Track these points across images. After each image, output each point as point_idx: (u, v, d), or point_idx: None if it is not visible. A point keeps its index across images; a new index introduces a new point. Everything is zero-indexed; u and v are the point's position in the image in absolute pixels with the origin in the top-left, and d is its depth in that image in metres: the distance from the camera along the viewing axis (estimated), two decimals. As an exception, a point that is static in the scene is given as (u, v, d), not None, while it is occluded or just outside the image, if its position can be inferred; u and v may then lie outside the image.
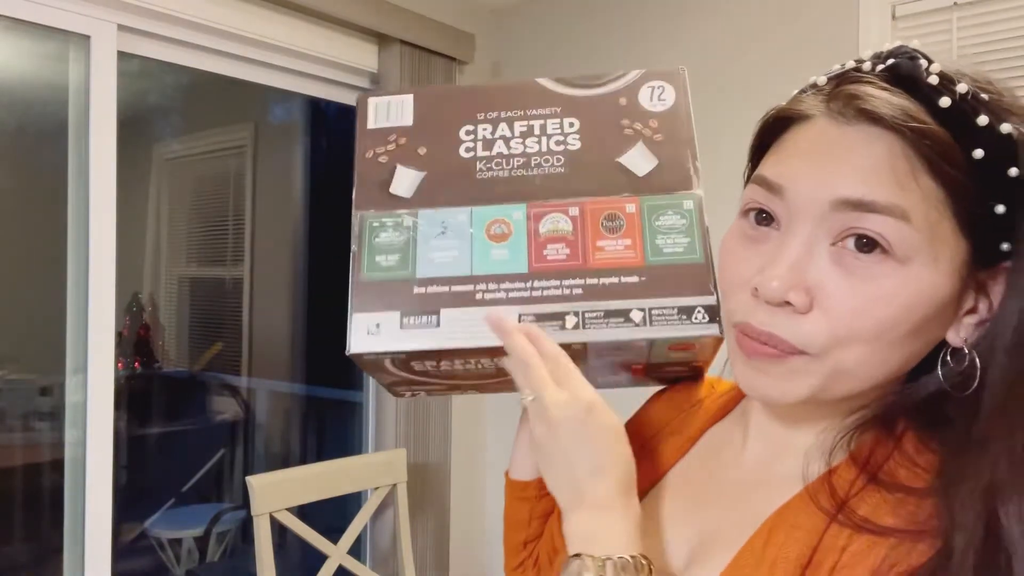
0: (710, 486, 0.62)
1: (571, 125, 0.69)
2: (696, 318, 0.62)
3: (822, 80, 0.54)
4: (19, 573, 2.15)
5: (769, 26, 2.12)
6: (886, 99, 0.49)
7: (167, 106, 2.78)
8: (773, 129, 0.57)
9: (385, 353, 0.63)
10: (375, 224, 0.67)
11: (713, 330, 0.62)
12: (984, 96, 0.49)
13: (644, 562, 0.52)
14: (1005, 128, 0.48)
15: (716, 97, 2.14)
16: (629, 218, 0.65)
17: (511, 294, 0.64)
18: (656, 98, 0.70)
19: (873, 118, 0.49)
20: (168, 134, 2.87)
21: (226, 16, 1.96)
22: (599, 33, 2.48)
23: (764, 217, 0.54)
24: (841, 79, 0.53)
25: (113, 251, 1.79)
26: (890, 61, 0.51)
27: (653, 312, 0.63)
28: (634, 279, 0.64)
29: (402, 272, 0.65)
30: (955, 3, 1.85)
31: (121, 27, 1.80)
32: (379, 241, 0.66)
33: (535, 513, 0.76)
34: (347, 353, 0.63)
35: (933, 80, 0.49)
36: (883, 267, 0.48)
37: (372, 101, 0.71)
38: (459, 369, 0.67)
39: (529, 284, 0.64)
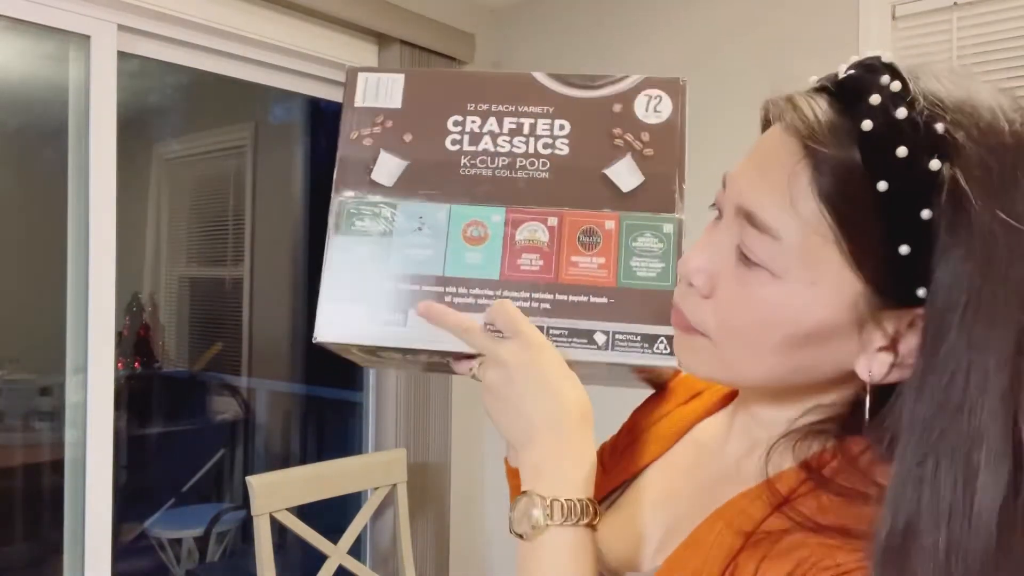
0: (689, 477, 0.62)
1: (561, 128, 0.67)
2: (658, 348, 0.62)
3: (812, 80, 0.54)
4: (19, 573, 2.15)
5: (769, 27, 2.12)
6: (810, 113, 0.48)
7: (167, 106, 2.78)
8: (764, 126, 0.57)
9: (350, 345, 0.64)
10: (353, 210, 0.66)
11: (672, 362, 0.61)
12: (938, 127, 0.45)
13: (591, 507, 0.54)
14: (934, 164, 0.44)
15: (715, 97, 2.14)
16: (606, 235, 0.65)
17: (480, 300, 0.63)
18: (652, 109, 0.68)
19: (789, 131, 0.49)
20: (168, 134, 2.87)
21: (226, 16, 1.96)
22: (599, 33, 2.48)
23: (720, 214, 0.56)
24: (814, 84, 0.52)
25: (113, 251, 1.79)
26: (849, 72, 0.49)
27: (617, 336, 0.62)
28: (603, 300, 0.63)
29: (375, 264, 0.65)
30: (955, 3, 1.85)
31: (121, 27, 1.80)
32: (356, 228, 0.66)
33: None
34: (313, 340, 0.63)
35: (874, 99, 0.46)
36: (759, 276, 0.50)
37: (362, 76, 0.70)
38: (423, 360, 0.67)
39: (499, 293, 0.63)
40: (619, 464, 0.70)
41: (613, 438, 0.79)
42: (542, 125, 0.68)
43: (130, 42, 1.84)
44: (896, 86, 0.46)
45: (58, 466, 1.80)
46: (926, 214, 0.44)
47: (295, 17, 2.12)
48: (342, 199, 0.67)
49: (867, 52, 0.50)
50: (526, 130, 0.68)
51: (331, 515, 2.21)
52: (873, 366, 0.49)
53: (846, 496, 0.48)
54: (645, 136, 0.67)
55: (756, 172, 0.51)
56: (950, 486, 0.43)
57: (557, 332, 0.63)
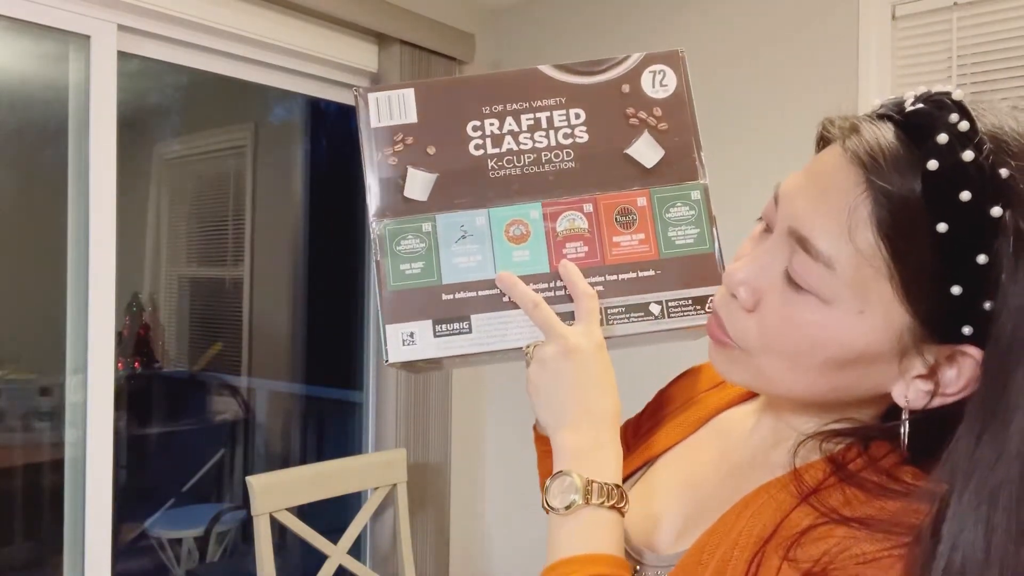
0: (713, 464, 0.64)
1: (577, 116, 0.69)
2: (709, 307, 0.66)
3: (876, 104, 0.53)
4: (19, 573, 2.14)
5: (769, 26, 2.12)
6: (875, 143, 0.48)
7: (167, 106, 2.77)
8: (819, 143, 0.58)
9: (422, 360, 0.66)
10: (394, 231, 0.67)
11: None
12: (1003, 172, 0.45)
13: (623, 493, 0.57)
14: (995, 211, 0.44)
15: (715, 96, 2.14)
16: (641, 212, 0.67)
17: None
18: (658, 84, 0.70)
19: (852, 160, 0.49)
20: (168, 134, 2.87)
21: (226, 16, 1.96)
22: (599, 32, 2.48)
23: (768, 227, 0.57)
24: (878, 110, 0.52)
25: (113, 251, 1.79)
26: (918, 105, 0.48)
27: (670, 304, 0.66)
28: (650, 272, 0.66)
29: (428, 279, 0.66)
30: (955, 3, 1.85)
31: (121, 27, 1.80)
32: (401, 249, 0.67)
33: None
34: (385, 362, 0.65)
35: (941, 138, 0.45)
36: (808, 301, 0.51)
37: (372, 97, 0.71)
38: (485, 360, 0.69)
39: (552, 284, 0.66)
40: (641, 444, 0.72)
41: (636, 417, 0.81)
42: (558, 116, 0.69)
43: (130, 42, 1.84)
44: (964, 126, 0.46)
45: (58, 466, 1.80)
46: (982, 259, 0.45)
47: (295, 17, 2.12)
48: (381, 222, 0.68)
49: (936, 87, 0.49)
50: (544, 123, 0.69)
51: (331, 515, 2.21)
52: (909, 393, 0.51)
53: (870, 491, 0.49)
54: (657, 111, 0.69)
55: (813, 195, 0.51)
56: (1007, 533, 0.44)
57: (615, 310, 0.66)
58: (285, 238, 3.00)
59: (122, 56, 1.82)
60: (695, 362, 0.81)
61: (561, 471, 0.57)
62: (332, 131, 2.89)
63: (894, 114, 0.49)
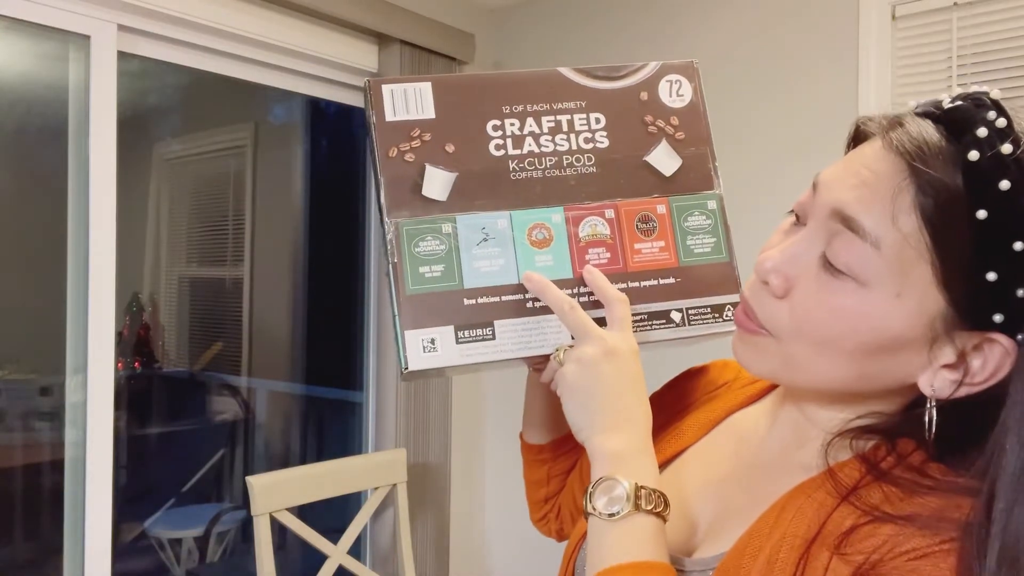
0: (732, 466, 0.64)
1: (597, 121, 0.69)
2: (727, 315, 0.67)
3: (911, 105, 0.56)
4: (19, 573, 2.14)
5: (769, 26, 2.12)
6: (919, 136, 0.50)
7: (167, 106, 2.77)
8: (855, 139, 0.59)
9: (445, 368, 0.63)
10: (412, 231, 0.64)
11: None
12: None
13: (666, 500, 0.56)
14: None
15: (715, 96, 2.14)
16: (661, 219, 0.68)
17: (543, 301, 0.64)
18: (675, 93, 0.71)
19: (897, 150, 0.51)
20: (168, 134, 2.87)
21: (226, 16, 1.96)
22: (599, 33, 2.48)
23: (799, 219, 0.58)
24: (916, 110, 0.55)
25: (113, 251, 1.79)
26: (957, 102, 0.51)
27: (690, 312, 0.67)
28: (670, 280, 0.67)
29: (449, 283, 0.64)
30: (955, 3, 1.85)
31: (121, 27, 1.80)
32: (419, 251, 0.64)
33: (553, 472, 0.82)
34: (405, 370, 0.62)
35: (981, 132, 0.48)
36: (844, 285, 0.52)
37: (387, 89, 0.67)
38: (493, 367, 0.67)
39: (576, 290, 0.65)
40: (656, 446, 0.71)
41: None
42: (579, 120, 0.69)
43: (130, 42, 1.84)
44: (1002, 122, 0.49)
45: (58, 466, 1.80)
46: (1019, 246, 0.47)
47: (295, 17, 2.12)
48: (398, 221, 0.64)
49: (973, 87, 0.53)
50: (565, 127, 0.69)
51: (331, 515, 2.21)
52: (936, 382, 0.52)
53: (906, 488, 0.50)
54: (675, 120, 0.70)
55: (857, 183, 0.52)
56: None
57: (638, 317, 0.66)
58: (285, 238, 3.00)
59: (122, 56, 1.82)
60: (690, 364, 0.81)
61: (606, 476, 0.56)
62: (332, 131, 2.89)
63: (934, 111, 0.52)
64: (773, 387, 0.69)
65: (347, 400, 2.62)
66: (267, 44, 2.07)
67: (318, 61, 2.22)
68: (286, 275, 3.03)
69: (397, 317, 0.62)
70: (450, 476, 2.49)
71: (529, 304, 0.64)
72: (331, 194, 2.88)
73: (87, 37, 1.75)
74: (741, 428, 0.67)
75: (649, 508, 0.55)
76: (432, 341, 0.62)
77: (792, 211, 0.58)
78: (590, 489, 0.56)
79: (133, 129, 2.43)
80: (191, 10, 1.88)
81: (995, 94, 0.51)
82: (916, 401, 0.55)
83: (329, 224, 2.88)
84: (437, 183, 0.65)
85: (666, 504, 0.56)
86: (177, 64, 1.97)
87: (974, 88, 0.52)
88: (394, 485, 2.11)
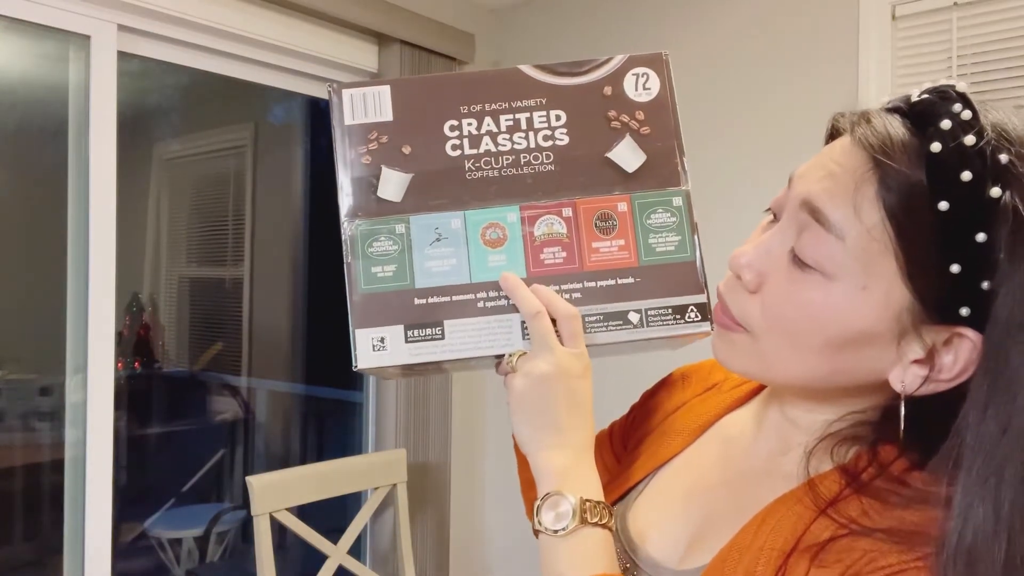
0: (718, 472, 0.64)
1: (557, 118, 0.68)
2: (689, 317, 0.64)
3: (883, 101, 0.56)
4: (19, 573, 2.14)
5: (769, 26, 2.12)
6: (884, 130, 0.50)
7: (167, 106, 2.77)
8: (831, 135, 0.59)
9: (393, 367, 0.63)
10: (366, 232, 0.65)
11: (704, 328, 0.64)
12: (1003, 157, 0.47)
13: (610, 511, 0.58)
14: (995, 192, 0.46)
15: (715, 96, 2.14)
16: (621, 217, 0.66)
17: (512, 301, 0.64)
18: (641, 87, 0.69)
19: (862, 144, 0.51)
20: (168, 134, 2.87)
21: (226, 16, 1.96)
22: (599, 32, 2.48)
23: (776, 216, 0.58)
24: (887, 105, 0.55)
25: (113, 251, 1.79)
26: (923, 96, 0.51)
27: (649, 313, 0.64)
28: (629, 280, 0.65)
29: (400, 283, 0.64)
30: (955, 3, 1.85)
31: (121, 27, 1.80)
32: (373, 251, 0.65)
33: None
34: (354, 368, 0.63)
35: (945, 124, 0.48)
36: (811, 278, 0.52)
37: (347, 93, 0.68)
38: (460, 367, 0.67)
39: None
40: (642, 455, 0.71)
41: (623, 425, 0.80)
42: (538, 118, 0.67)
43: (130, 42, 1.84)
44: (967, 115, 0.49)
45: (58, 466, 1.80)
46: (981, 237, 0.46)
47: (295, 17, 2.12)
48: (353, 223, 0.66)
49: (942, 80, 0.52)
50: (524, 125, 0.67)
51: (331, 515, 2.21)
52: (906, 378, 0.51)
53: (885, 500, 0.50)
54: (640, 115, 0.68)
55: (825, 174, 0.52)
56: (1014, 505, 0.45)
57: (593, 318, 0.64)
58: (285, 238, 3.00)
59: (122, 56, 1.82)
60: (672, 368, 0.81)
61: (552, 491, 0.57)
62: (331, 132, 2.89)
63: (902, 105, 0.52)
64: (762, 388, 0.68)
65: (347, 400, 2.62)
66: (267, 44, 2.07)
67: (318, 61, 2.22)
68: (286, 275, 3.03)
69: (350, 316, 0.64)
70: (450, 476, 2.49)
71: (480, 304, 0.64)
72: (331, 194, 2.87)
73: (87, 37, 1.76)
74: (729, 433, 0.67)
75: (595, 521, 0.56)
76: (382, 340, 0.63)
77: (769, 208, 0.59)
78: (537, 503, 0.57)
79: (133, 129, 2.43)
80: (191, 10, 1.88)
81: (961, 87, 0.50)
82: (895, 404, 0.54)
83: (329, 224, 2.87)
84: (392, 184, 0.66)
85: (611, 515, 0.58)
86: (177, 64, 1.97)
87: (942, 82, 0.52)
88: (394, 485, 2.11)
